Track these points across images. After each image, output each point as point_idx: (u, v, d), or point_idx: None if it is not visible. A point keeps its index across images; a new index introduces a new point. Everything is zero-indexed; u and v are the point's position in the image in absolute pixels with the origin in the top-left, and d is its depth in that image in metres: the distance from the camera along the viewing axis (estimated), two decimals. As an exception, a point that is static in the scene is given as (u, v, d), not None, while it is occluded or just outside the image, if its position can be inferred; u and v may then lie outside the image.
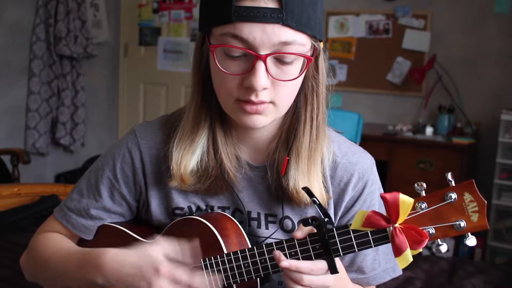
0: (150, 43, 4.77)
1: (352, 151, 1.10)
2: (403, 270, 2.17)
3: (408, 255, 0.86)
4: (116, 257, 0.99)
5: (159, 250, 0.96)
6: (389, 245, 1.09)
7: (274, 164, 1.05)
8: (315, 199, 0.95)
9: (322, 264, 0.93)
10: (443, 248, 0.87)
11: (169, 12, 4.66)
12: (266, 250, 0.98)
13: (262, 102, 0.93)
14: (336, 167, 1.08)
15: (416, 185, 0.87)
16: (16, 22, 4.00)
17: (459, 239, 3.63)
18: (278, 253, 0.94)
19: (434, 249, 0.87)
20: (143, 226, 1.15)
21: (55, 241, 1.13)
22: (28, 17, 4.08)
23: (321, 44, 0.99)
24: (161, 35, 4.71)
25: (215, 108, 1.02)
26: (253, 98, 0.92)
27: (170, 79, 4.72)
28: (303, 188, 0.98)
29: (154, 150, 1.10)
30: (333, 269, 0.93)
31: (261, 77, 0.90)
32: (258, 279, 1.01)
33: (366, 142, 3.56)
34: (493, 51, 3.86)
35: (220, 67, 0.92)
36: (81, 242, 1.16)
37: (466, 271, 2.16)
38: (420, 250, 0.86)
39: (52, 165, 4.47)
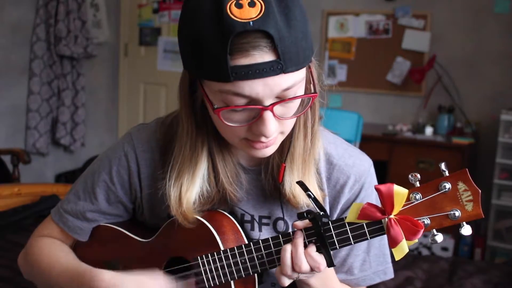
0: (150, 43, 4.77)
1: (349, 153, 1.09)
2: (403, 270, 2.16)
3: (404, 246, 0.86)
4: (112, 282, 0.99)
5: (156, 285, 0.98)
6: (381, 248, 1.10)
7: (268, 168, 1.04)
8: (309, 192, 0.95)
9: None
10: (439, 238, 0.86)
11: (169, 12, 4.66)
12: (262, 246, 0.98)
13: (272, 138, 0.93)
14: (332, 169, 1.07)
15: (410, 176, 0.87)
16: (16, 22, 4.00)
17: (459, 239, 3.63)
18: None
19: (430, 239, 0.87)
20: (140, 226, 1.16)
21: (52, 250, 1.13)
22: (28, 17, 4.08)
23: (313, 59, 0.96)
24: (161, 35, 4.71)
25: (211, 130, 1.00)
26: (263, 139, 0.91)
27: (170, 79, 4.72)
28: (297, 182, 0.97)
29: (150, 154, 1.10)
30: (330, 262, 0.93)
31: (270, 125, 0.88)
32: (255, 274, 1.01)
33: (366, 142, 3.56)
34: (493, 51, 3.86)
35: (226, 123, 0.89)
36: (77, 242, 1.17)
37: (466, 271, 2.15)
38: (416, 240, 0.86)
39: (52, 165, 4.47)
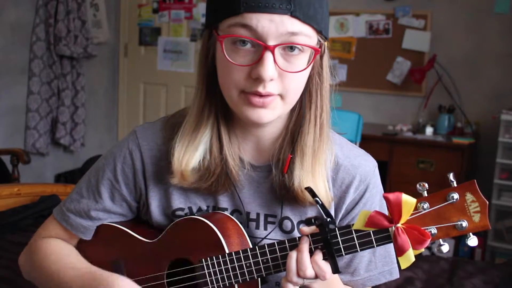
0: (150, 43, 4.77)
1: (355, 153, 1.10)
2: (403, 269, 2.15)
3: (410, 255, 0.86)
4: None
5: None
6: (387, 248, 1.10)
7: (279, 164, 1.04)
8: (317, 199, 0.95)
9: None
10: (445, 248, 0.87)
11: (169, 12, 4.66)
12: (268, 250, 0.98)
13: (270, 94, 0.93)
14: (338, 169, 1.08)
15: (418, 185, 0.87)
16: (16, 22, 4.00)
17: (459, 239, 3.63)
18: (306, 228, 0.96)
19: (435, 249, 0.87)
20: (144, 225, 1.15)
21: (61, 255, 1.12)
22: (28, 17, 4.07)
23: (326, 44, 0.99)
24: (161, 35, 4.71)
25: (220, 105, 1.02)
26: (260, 89, 0.92)
27: (170, 79, 4.72)
28: (306, 188, 0.98)
29: (155, 151, 1.09)
30: (335, 269, 0.93)
31: (269, 67, 0.90)
32: (259, 279, 1.01)
33: (366, 142, 3.56)
34: (493, 51, 3.86)
35: (228, 58, 0.92)
36: (81, 241, 1.17)
37: (466, 271, 2.15)
38: (422, 250, 0.86)
39: (52, 165, 4.47)
